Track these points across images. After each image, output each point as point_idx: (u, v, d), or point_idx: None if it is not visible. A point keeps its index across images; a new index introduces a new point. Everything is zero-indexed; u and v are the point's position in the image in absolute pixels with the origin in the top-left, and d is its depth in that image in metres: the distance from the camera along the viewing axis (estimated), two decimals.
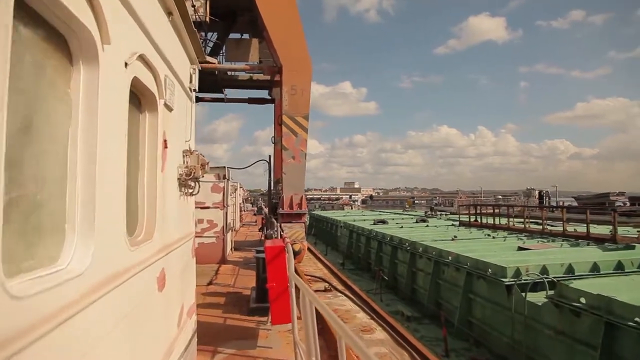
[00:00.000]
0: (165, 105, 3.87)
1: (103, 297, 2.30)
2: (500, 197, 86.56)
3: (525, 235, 20.18)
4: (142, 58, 3.03)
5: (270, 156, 15.99)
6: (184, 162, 4.85)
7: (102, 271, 2.30)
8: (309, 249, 16.06)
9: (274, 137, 19.68)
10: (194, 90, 5.61)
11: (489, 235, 21.33)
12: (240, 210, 34.09)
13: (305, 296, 2.95)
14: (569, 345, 9.27)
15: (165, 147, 3.90)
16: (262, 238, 22.05)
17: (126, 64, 2.73)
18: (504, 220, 24.86)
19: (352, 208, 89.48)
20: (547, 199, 57.20)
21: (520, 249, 15.97)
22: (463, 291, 13.03)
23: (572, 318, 9.17)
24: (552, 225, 22.63)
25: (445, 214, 44.09)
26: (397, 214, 45.44)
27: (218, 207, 14.24)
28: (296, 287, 4.43)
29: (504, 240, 18.91)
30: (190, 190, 5.14)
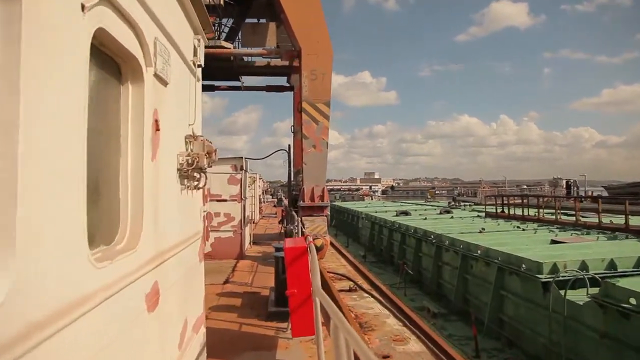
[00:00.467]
0: (157, 76, 3.04)
1: (39, 347, 1.50)
2: (525, 186, 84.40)
3: (557, 228, 19.34)
4: (112, 3, 2.21)
5: (290, 145, 15.16)
6: (186, 150, 4.03)
7: (30, 307, 1.50)
8: (330, 242, 15.32)
9: (293, 126, 18.88)
10: (200, 65, 4.77)
11: (518, 227, 20.47)
12: (260, 202, 33.46)
13: (338, 331, 2.10)
14: (615, 350, 8.51)
15: (157, 129, 3.08)
16: (282, 231, 21.39)
17: (83, 6, 1.91)
18: (532, 212, 24.02)
19: (372, 199, 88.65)
20: (575, 188, 55.36)
21: (553, 242, 15.22)
22: (494, 287, 12.35)
23: (619, 320, 8.39)
24: (584, 217, 21.76)
25: (469, 205, 43.07)
26: (419, 204, 44.84)
27: (235, 200, 13.52)
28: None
29: (535, 233, 18.10)
30: (195, 183, 4.31)
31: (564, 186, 58.75)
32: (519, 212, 25.06)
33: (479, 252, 13.84)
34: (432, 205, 41.78)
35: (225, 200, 13.46)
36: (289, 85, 19.54)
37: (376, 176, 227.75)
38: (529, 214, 23.81)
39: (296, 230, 10.24)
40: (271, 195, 67.32)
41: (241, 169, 13.52)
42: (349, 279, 11.31)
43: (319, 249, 11.57)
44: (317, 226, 12.40)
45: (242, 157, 13.57)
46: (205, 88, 20.25)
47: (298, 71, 15.86)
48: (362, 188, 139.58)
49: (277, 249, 8.49)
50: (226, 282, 10.48)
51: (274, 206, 50.66)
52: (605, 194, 49.60)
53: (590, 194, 45.99)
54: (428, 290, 17.91)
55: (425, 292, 18.19)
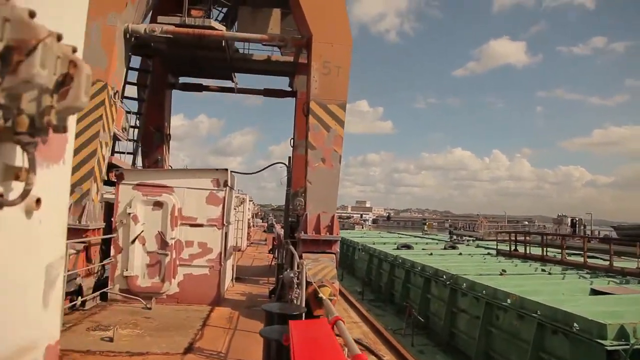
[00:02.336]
0: None
1: None
2: (526, 222, 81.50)
3: (587, 273, 16.47)
4: None
5: (289, 158, 11.94)
6: None
7: None
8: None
9: (293, 139, 15.81)
10: None
11: (543, 270, 17.52)
12: (248, 227, 29.98)
13: None
14: None
15: None
16: (272, 263, 18.03)
17: None
18: (544, 251, 20.99)
19: (362, 227, 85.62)
20: (581, 227, 52.37)
21: (594, 292, 12.66)
22: (532, 348, 9.81)
23: None
24: (595, 257, 19.38)
25: (472, 240, 40.65)
26: (418, 237, 42.08)
27: (214, 225, 10.20)
28: None
29: (563, 278, 15.55)
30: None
31: (569, 224, 55.94)
32: (535, 251, 22.77)
33: (509, 301, 11.42)
34: (431, 239, 39.47)
35: (200, 225, 10.15)
36: (291, 89, 16.49)
37: (367, 205, 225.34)
38: (547, 255, 21.18)
39: (297, 279, 6.98)
40: (261, 218, 63.65)
41: (225, 184, 10.25)
42: (368, 349, 7.90)
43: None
44: (322, 268, 9.08)
45: (226, 170, 10.31)
46: (192, 87, 17.03)
47: (304, 70, 12.85)
48: (352, 216, 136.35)
49: (268, 317, 5.16)
50: (189, 349, 7.02)
51: (264, 231, 47.09)
52: (614, 234, 46.88)
53: (596, 233, 43.19)
54: (439, 341, 14.96)
55: (435, 342, 15.13)
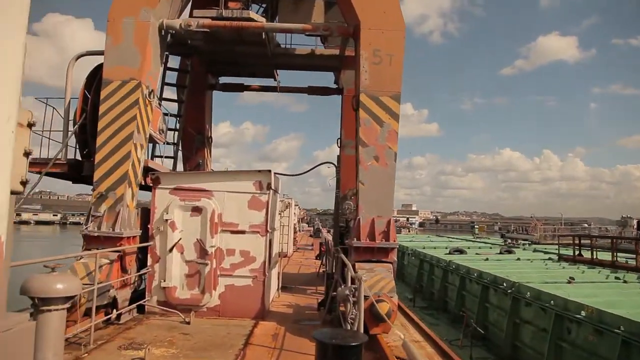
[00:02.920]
0: None
1: None
2: (585, 225, 77.18)
3: None
4: None
5: (338, 157, 10.94)
6: None
7: None
8: None
9: (340, 139, 14.82)
10: None
11: (617, 278, 16.14)
12: (295, 232, 29.25)
13: None
14: None
15: None
16: (321, 271, 17.09)
17: None
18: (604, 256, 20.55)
19: (409, 231, 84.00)
20: None
21: None
22: None
23: None
24: None
25: (528, 243, 38.63)
26: (470, 241, 40.59)
27: (257, 232, 9.33)
28: None
29: None
30: None
31: (635, 226, 52.26)
32: (602, 256, 20.97)
33: (583, 313, 10.57)
34: (484, 242, 37.77)
35: (242, 232, 9.31)
36: (336, 86, 15.53)
37: (414, 208, 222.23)
38: (617, 260, 19.48)
39: (354, 296, 5.97)
40: (307, 223, 63.01)
41: (268, 187, 9.37)
42: None
43: (382, 318, 7.21)
44: (379, 280, 8.01)
45: (269, 171, 9.43)
46: (232, 87, 16.35)
47: (351, 64, 11.87)
48: (399, 219, 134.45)
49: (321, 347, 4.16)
50: None
51: (311, 236, 46.33)
52: None
53: None
54: (500, 354, 14.01)
55: (496, 354, 14.27)
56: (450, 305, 20.02)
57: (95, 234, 8.46)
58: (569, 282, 14.75)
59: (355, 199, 9.13)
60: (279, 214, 13.14)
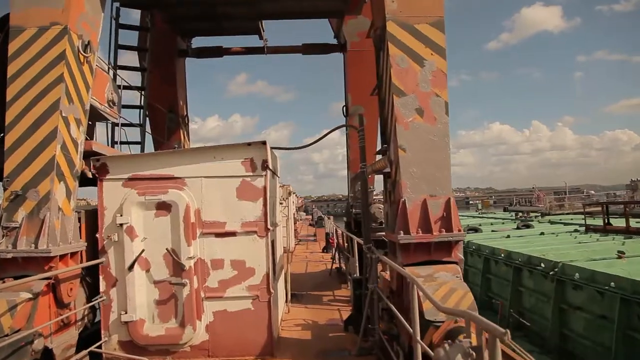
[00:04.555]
0: None
1: None
2: (592, 192, 74.87)
3: None
4: None
5: (360, 116, 8.05)
6: None
7: None
8: None
9: (345, 106, 12.08)
10: None
11: None
12: (294, 222, 26.46)
13: None
14: None
15: None
16: (333, 268, 14.33)
17: None
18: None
19: None
20: None
21: None
22: None
23: None
24: None
25: (539, 215, 36.37)
26: (476, 217, 38.72)
27: (254, 232, 6.47)
28: None
29: None
30: None
31: None
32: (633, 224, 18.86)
33: None
34: (493, 218, 35.74)
35: (232, 234, 6.44)
36: (337, 42, 12.64)
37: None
38: None
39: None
40: (305, 212, 60.13)
41: (265, 167, 6.48)
42: None
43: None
44: (449, 292, 5.18)
45: (264, 143, 6.49)
46: (208, 52, 12.85)
47: (357, 6, 9.07)
48: None
49: None
50: None
51: (310, 225, 43.51)
52: None
53: None
54: (545, 345, 12.05)
55: (540, 346, 12.21)
56: (474, 291, 17.78)
57: (9, 256, 5.56)
58: (620, 257, 12.88)
59: (392, 173, 6.26)
60: (280, 203, 10.30)
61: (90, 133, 8.53)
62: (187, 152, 6.73)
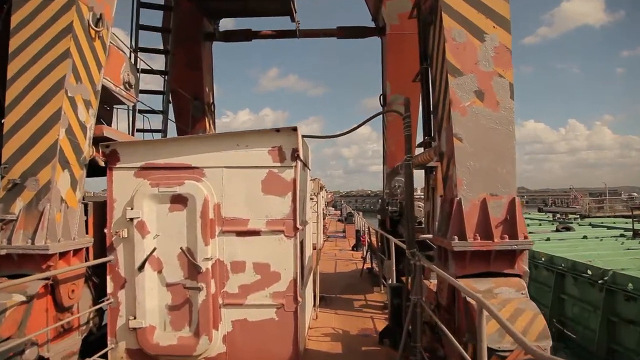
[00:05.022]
0: None
1: None
2: (635, 194, 71.48)
3: None
4: None
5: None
6: None
7: None
8: None
9: (383, 94, 11.17)
10: None
11: None
12: (323, 217, 25.56)
13: None
14: None
15: None
16: (365, 269, 13.42)
17: None
18: None
19: None
20: None
21: None
22: None
23: None
24: None
25: (578, 217, 34.51)
26: None
27: (280, 232, 5.64)
28: None
29: None
30: None
31: None
32: None
33: None
34: (529, 219, 34.00)
35: (256, 234, 5.62)
36: (375, 25, 11.70)
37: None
38: None
39: None
40: (333, 207, 59.23)
41: (295, 157, 5.63)
42: None
43: None
44: (515, 312, 4.23)
45: (294, 129, 5.64)
46: (237, 35, 12.08)
47: None
48: None
49: None
50: None
51: (339, 220, 42.63)
52: None
53: None
54: (591, 358, 11.10)
55: (583, 357, 11.35)
56: None
57: (3, 252, 4.89)
58: None
59: (443, 167, 5.34)
60: (311, 198, 9.48)
61: (107, 119, 7.88)
62: (206, 139, 5.93)
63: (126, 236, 5.63)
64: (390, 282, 8.64)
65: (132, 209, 5.59)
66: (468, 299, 4.20)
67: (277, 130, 5.67)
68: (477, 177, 4.89)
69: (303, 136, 6.11)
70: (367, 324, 8.07)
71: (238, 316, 5.64)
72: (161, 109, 9.87)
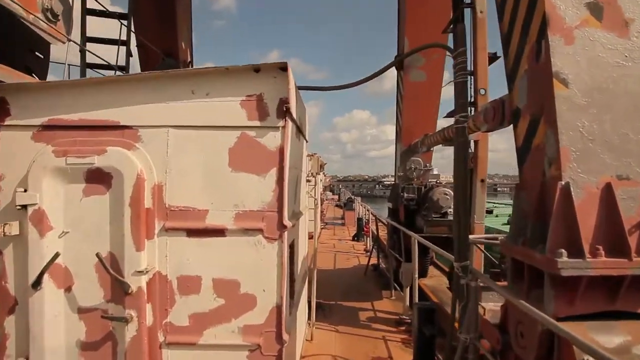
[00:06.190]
0: None
1: None
2: None
3: None
4: None
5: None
6: None
7: None
8: None
9: (399, 55, 9.11)
10: None
11: None
12: (321, 202, 23.54)
13: None
14: None
15: None
16: (371, 266, 11.44)
17: None
18: None
19: None
20: None
21: None
22: None
23: None
24: None
25: None
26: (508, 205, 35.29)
27: (258, 230, 3.57)
28: None
29: None
30: None
31: None
32: None
33: None
34: None
35: (219, 233, 3.57)
36: None
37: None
38: None
39: None
40: (331, 191, 57.11)
41: (284, 111, 3.56)
42: None
43: None
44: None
45: (283, 69, 3.58)
46: None
47: None
48: None
49: None
50: None
51: (337, 206, 40.65)
52: None
53: None
54: None
55: None
56: None
57: None
58: None
59: (522, 132, 3.29)
60: (307, 180, 7.42)
61: (40, 72, 5.76)
62: (144, 80, 3.78)
63: (16, 233, 3.57)
64: (408, 291, 6.63)
65: (25, 190, 3.53)
66: None
67: (257, 69, 3.57)
68: (594, 148, 2.84)
69: (299, 87, 4.03)
70: (379, 348, 6.09)
71: None
72: (123, 63, 7.76)
